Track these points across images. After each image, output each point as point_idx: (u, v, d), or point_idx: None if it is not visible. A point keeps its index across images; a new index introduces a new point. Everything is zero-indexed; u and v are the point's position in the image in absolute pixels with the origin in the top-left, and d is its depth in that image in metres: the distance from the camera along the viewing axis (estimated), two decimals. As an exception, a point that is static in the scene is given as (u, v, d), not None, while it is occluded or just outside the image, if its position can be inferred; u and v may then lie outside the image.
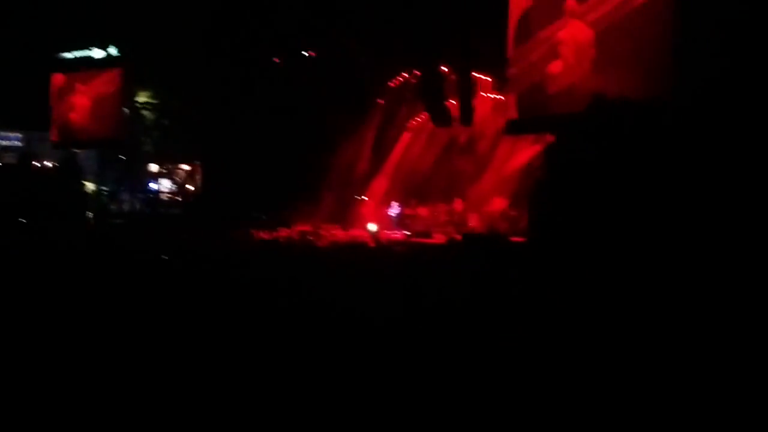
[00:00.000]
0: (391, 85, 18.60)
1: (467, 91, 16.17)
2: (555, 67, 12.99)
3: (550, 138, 12.45)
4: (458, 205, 16.56)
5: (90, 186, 22.30)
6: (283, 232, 15.59)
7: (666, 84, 10.72)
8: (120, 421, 4.73)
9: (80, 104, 21.75)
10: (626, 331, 6.16)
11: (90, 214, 20.53)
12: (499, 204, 15.58)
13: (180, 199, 22.98)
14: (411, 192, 17.76)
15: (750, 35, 9.71)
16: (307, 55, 18.98)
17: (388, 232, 16.28)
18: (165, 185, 23.54)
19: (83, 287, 9.23)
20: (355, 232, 15.97)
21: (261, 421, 4.90)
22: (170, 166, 23.38)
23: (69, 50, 22.13)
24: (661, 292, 7.11)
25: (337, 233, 15.83)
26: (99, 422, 4.66)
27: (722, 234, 7.78)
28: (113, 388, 5.41)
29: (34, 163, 21.22)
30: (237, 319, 7.50)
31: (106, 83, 21.31)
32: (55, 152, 23.04)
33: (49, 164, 22.43)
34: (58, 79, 22.39)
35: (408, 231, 16.18)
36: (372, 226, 16.05)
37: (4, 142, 30.27)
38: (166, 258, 12.09)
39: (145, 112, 22.30)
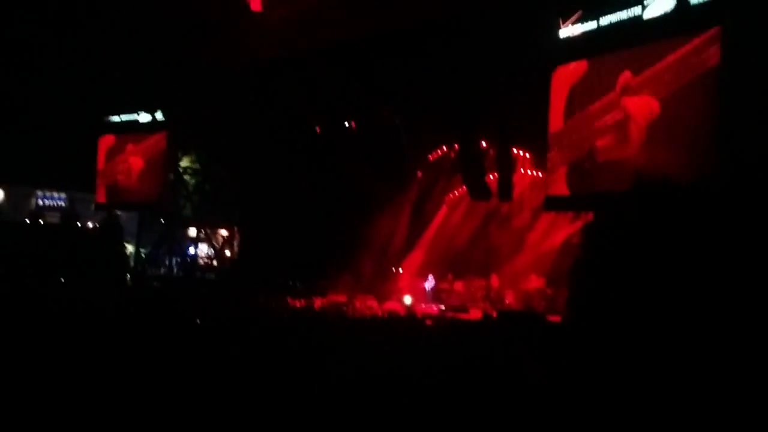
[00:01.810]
0: (431, 157, 18.60)
1: (507, 165, 16.10)
2: (608, 139, 12.91)
3: (590, 216, 12.27)
4: (494, 280, 16.32)
5: (129, 248, 22.47)
6: (318, 302, 15.45)
7: (711, 165, 10.53)
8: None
9: (130, 164, 22.02)
10: (663, 416, 5.92)
11: (128, 276, 20.65)
12: (536, 281, 15.34)
13: (217, 264, 23.01)
14: (447, 266, 17.57)
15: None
16: (347, 125, 19.11)
17: (424, 305, 16.08)
18: (203, 249, 23.61)
19: (116, 347, 9.22)
20: (390, 305, 15.76)
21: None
22: (209, 231, 23.46)
23: (116, 114, 22.51)
24: (702, 378, 6.83)
25: (372, 304, 15.65)
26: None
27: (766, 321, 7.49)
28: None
29: (76, 222, 21.49)
30: (262, 385, 7.39)
31: (153, 146, 21.57)
32: (97, 213, 23.31)
33: (91, 225, 22.69)
34: (107, 140, 22.75)
35: (443, 305, 15.94)
36: (407, 299, 15.87)
37: (49, 202, 30.83)
38: (199, 322, 12.04)
39: (187, 177, 22.52)
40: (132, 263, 22.19)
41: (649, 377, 6.98)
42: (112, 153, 22.62)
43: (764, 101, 9.82)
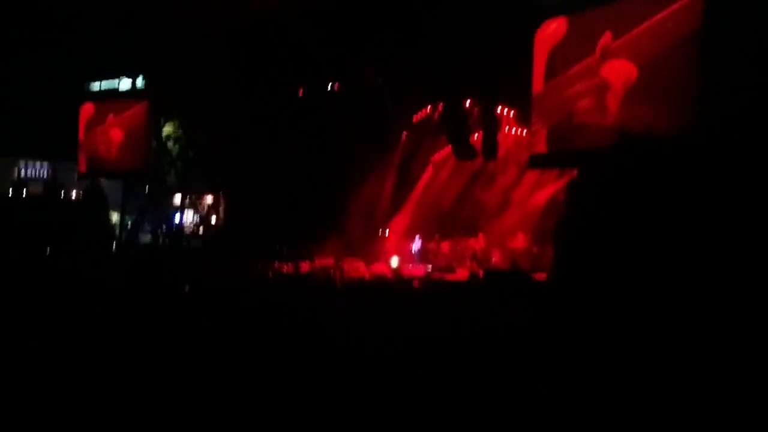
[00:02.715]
0: (415, 118, 18.61)
1: (491, 124, 16.13)
2: (586, 102, 12.93)
3: (573, 173, 12.36)
4: (481, 240, 16.44)
5: (114, 217, 22.43)
6: (305, 266, 15.54)
7: (693, 120, 10.63)
8: None
9: (110, 135, 21.96)
10: (647, 373, 6.03)
11: (114, 244, 20.65)
12: (521, 240, 15.47)
13: (203, 232, 23.06)
14: (434, 226, 17.68)
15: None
16: (331, 87, 19.06)
17: (411, 266, 16.20)
18: (188, 217, 23.62)
19: (103, 317, 9.32)
20: (377, 267, 15.89)
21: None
22: (194, 198, 23.45)
23: (96, 81, 22.36)
24: (687, 333, 6.96)
25: (360, 267, 15.76)
26: None
27: (751, 276, 7.61)
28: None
29: (59, 193, 21.46)
30: (250, 352, 7.49)
31: (134, 115, 21.48)
32: (81, 183, 23.26)
33: (75, 194, 22.67)
34: (87, 109, 22.62)
35: (430, 266, 16.06)
36: (394, 261, 15.98)
37: (31, 172, 30.69)
38: (186, 289, 12.12)
39: (169, 144, 22.44)
40: (117, 232, 22.20)
41: (631, 336, 7.12)
42: (93, 124, 22.56)
43: (741, 64, 9.92)
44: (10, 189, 25.53)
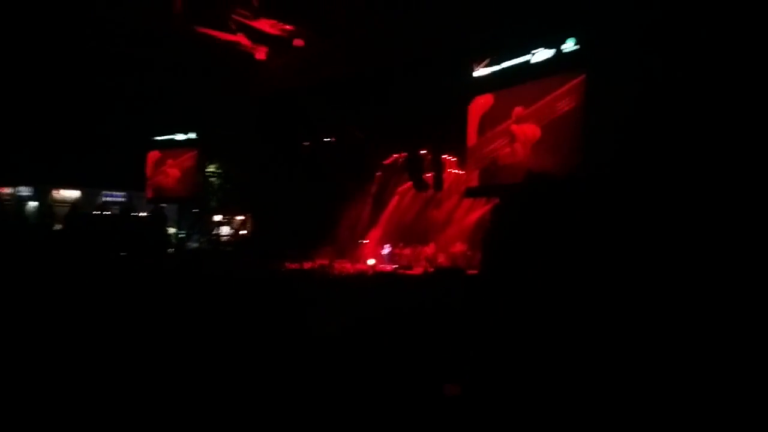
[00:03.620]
0: (386, 162, 18.76)
1: (439, 167, 16.33)
2: (505, 152, 13.12)
3: (496, 200, 12.55)
4: (431, 247, 16.54)
5: (171, 230, 22.32)
6: (307, 264, 15.57)
7: (576, 165, 10.88)
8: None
9: (169, 173, 21.92)
10: (547, 334, 6.16)
11: (171, 249, 20.52)
12: (460, 246, 15.57)
13: (234, 240, 22.97)
14: (398, 237, 17.76)
15: (637, 131, 9.91)
16: (327, 140, 19.20)
17: (382, 265, 16.27)
18: (224, 230, 23.55)
19: (165, 294, 9.37)
20: (358, 265, 15.94)
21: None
22: (229, 217, 23.42)
23: (160, 135, 22.41)
24: (576, 307, 7.08)
25: (346, 265, 15.80)
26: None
27: (625, 270, 7.77)
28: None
29: (132, 213, 21.30)
30: (269, 321, 7.55)
31: (187, 159, 21.48)
32: (148, 206, 23.16)
33: (143, 214, 22.51)
34: (153, 155, 22.62)
35: (395, 264, 16.13)
36: (370, 261, 16.04)
37: (111, 199, 30.48)
38: (221, 278, 12.10)
39: (212, 179, 22.43)
40: (174, 240, 22.11)
41: (533, 311, 7.25)
42: (156, 165, 22.44)
43: (609, 128, 10.24)
44: (96, 210, 25.34)
